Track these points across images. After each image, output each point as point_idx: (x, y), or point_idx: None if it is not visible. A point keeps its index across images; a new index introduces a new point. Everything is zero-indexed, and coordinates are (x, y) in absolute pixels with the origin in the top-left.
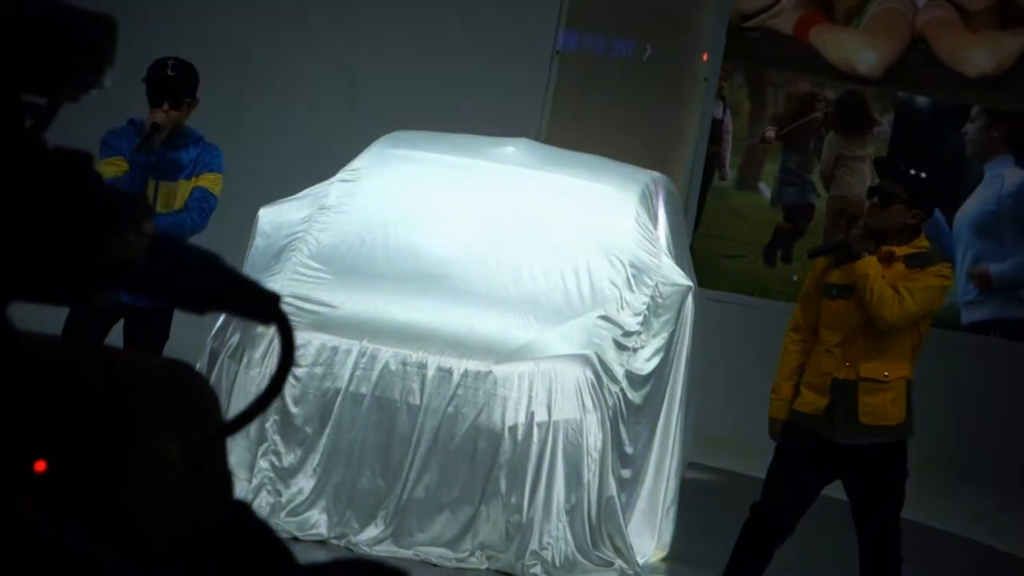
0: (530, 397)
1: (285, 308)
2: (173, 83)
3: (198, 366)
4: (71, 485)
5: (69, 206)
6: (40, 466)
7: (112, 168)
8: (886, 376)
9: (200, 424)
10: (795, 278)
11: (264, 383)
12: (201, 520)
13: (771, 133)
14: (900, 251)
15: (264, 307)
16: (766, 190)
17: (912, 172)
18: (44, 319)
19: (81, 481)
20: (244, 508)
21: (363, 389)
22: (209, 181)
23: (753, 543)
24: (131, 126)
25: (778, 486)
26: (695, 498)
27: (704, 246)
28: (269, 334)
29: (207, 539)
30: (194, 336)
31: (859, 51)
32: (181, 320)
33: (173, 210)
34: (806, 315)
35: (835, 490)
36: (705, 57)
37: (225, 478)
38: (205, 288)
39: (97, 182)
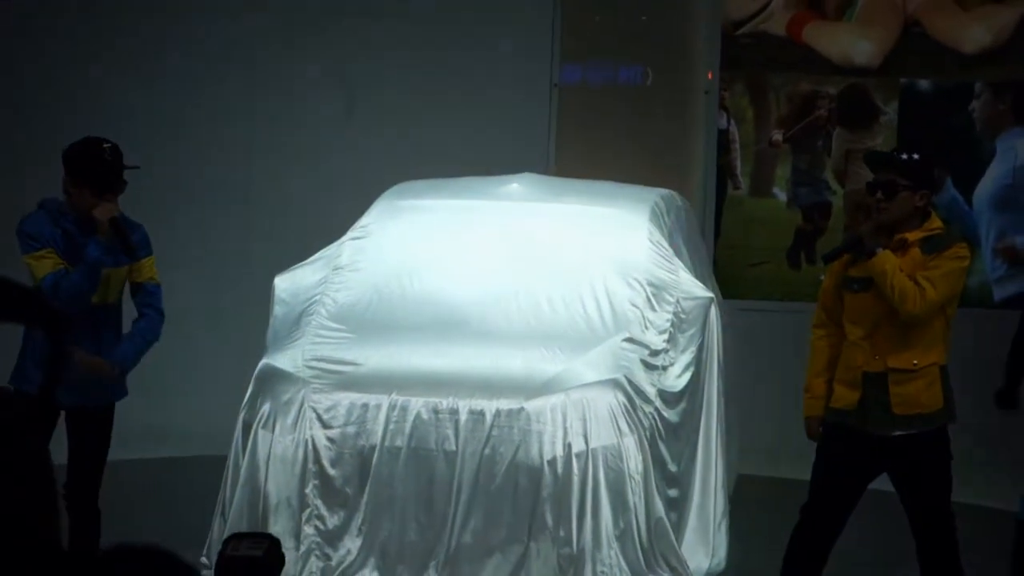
0: (565, 428)
1: (307, 370)
2: (117, 171)
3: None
4: None
5: None
6: None
7: (47, 262)
8: (915, 364)
9: (22, 459)
10: (822, 277)
11: (297, 451)
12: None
13: (778, 136)
14: (913, 236)
15: (26, 305)
16: (781, 194)
17: (904, 156)
18: None
19: None
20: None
21: (398, 442)
22: (149, 269)
23: (806, 545)
24: (43, 212)
25: (824, 486)
26: (747, 510)
27: (727, 257)
28: (298, 401)
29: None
30: (226, 410)
31: (855, 43)
32: (212, 395)
33: (108, 301)
34: (829, 311)
35: (881, 481)
36: (710, 75)
37: (54, 516)
38: None
39: None
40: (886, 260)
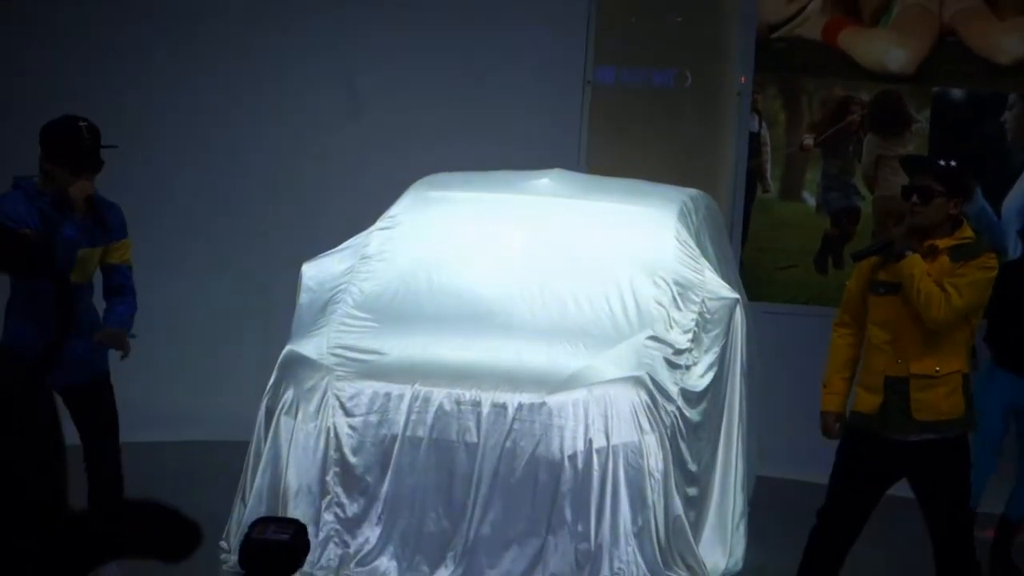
0: (587, 424)
1: (331, 358)
2: (94, 150)
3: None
4: None
5: None
6: None
7: None
8: (938, 371)
9: (28, 414)
10: (847, 283)
11: (319, 438)
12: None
13: (809, 141)
14: (943, 243)
15: (27, 256)
16: (810, 198)
17: (943, 163)
18: None
19: None
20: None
21: (420, 432)
22: (124, 251)
23: (822, 548)
24: (20, 191)
25: (841, 490)
26: (766, 511)
27: (755, 260)
28: (322, 388)
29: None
30: (249, 395)
31: (889, 50)
32: (235, 380)
33: (82, 281)
34: (853, 312)
35: (899, 488)
36: (743, 80)
37: (59, 468)
38: None
39: None
40: (915, 264)
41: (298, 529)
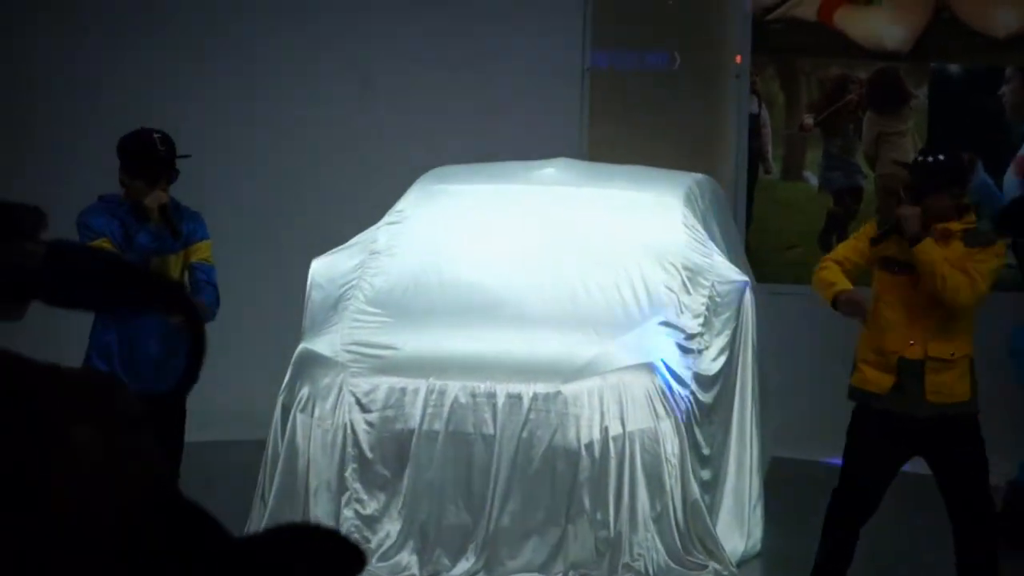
0: (602, 412)
1: (345, 354)
2: (167, 160)
3: (274, 420)
4: None
5: None
6: None
7: None
8: (952, 355)
9: (114, 413)
10: (858, 240)
11: (336, 435)
12: (126, 500)
13: (809, 121)
14: (956, 227)
15: (168, 296)
16: (812, 178)
17: (931, 159)
18: None
19: (5, 484)
20: (174, 489)
21: (436, 426)
22: (204, 251)
23: (839, 525)
24: (104, 203)
25: (855, 469)
26: (781, 492)
27: (759, 241)
28: (337, 384)
29: (133, 519)
30: (265, 393)
31: (885, 28)
32: (248, 381)
33: None
34: (848, 270)
35: (916, 464)
36: (739, 59)
37: (148, 461)
38: (104, 286)
39: None
40: (932, 249)
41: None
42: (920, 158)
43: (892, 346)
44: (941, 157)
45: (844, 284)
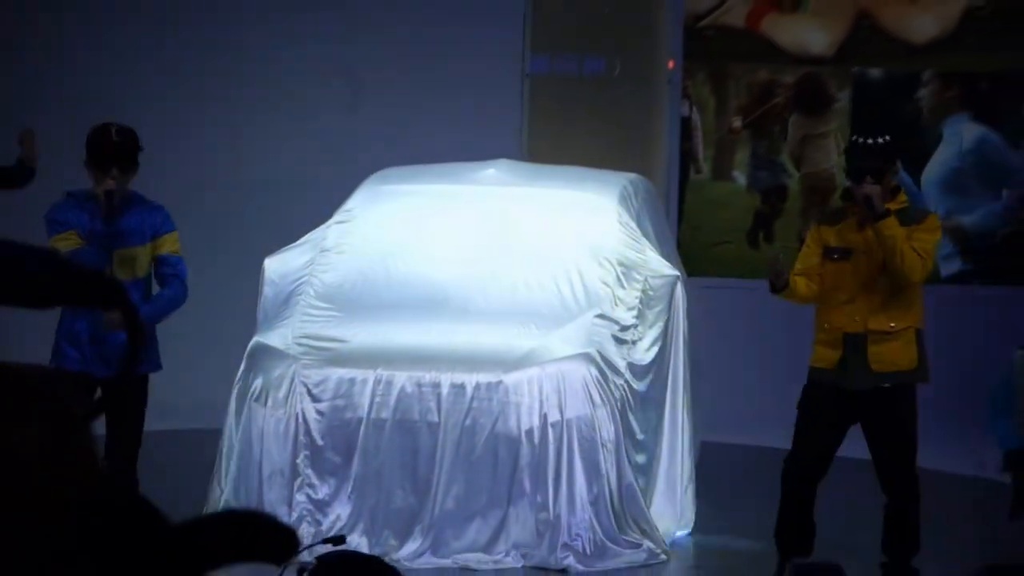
0: (541, 400)
1: (296, 347)
2: (120, 149)
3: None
4: None
5: None
6: None
7: (65, 243)
8: (892, 327)
9: (54, 413)
10: (781, 256)
11: (289, 423)
12: (65, 494)
13: (738, 123)
14: (893, 207)
15: (100, 290)
16: (740, 177)
17: (881, 141)
18: None
19: None
20: (112, 480)
21: (384, 415)
22: (171, 243)
23: (794, 488)
24: (71, 199)
25: (805, 438)
26: (710, 474)
27: (690, 238)
28: (289, 375)
29: (71, 509)
30: (219, 385)
31: (810, 34)
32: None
33: (137, 276)
34: (807, 271)
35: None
36: (671, 64)
37: (89, 456)
38: (42, 283)
39: None
40: (895, 226)
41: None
42: (859, 139)
43: (837, 323)
44: (879, 139)
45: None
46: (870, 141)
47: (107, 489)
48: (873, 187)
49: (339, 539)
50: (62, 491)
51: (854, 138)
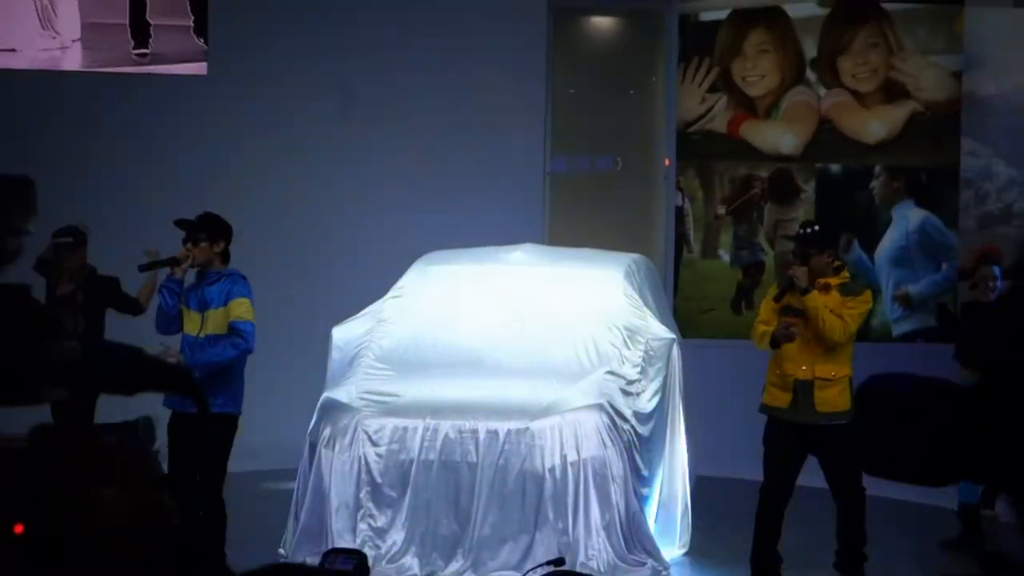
0: (561, 443)
1: (359, 401)
2: (194, 226)
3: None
4: (44, 541)
5: (10, 326)
6: (19, 529)
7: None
8: (833, 375)
9: (139, 475)
10: (764, 305)
11: (353, 465)
12: (149, 548)
13: (722, 211)
14: (834, 282)
15: (180, 382)
16: (725, 255)
17: (809, 231)
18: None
19: (51, 536)
20: (191, 537)
21: (431, 456)
22: (239, 307)
23: (768, 510)
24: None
25: (772, 467)
26: (704, 503)
27: (684, 306)
28: (353, 424)
29: (151, 560)
30: (296, 433)
31: (780, 137)
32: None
33: (207, 334)
34: (769, 319)
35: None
36: (667, 163)
37: (168, 517)
38: (130, 376)
39: (35, 306)
40: (816, 299)
41: (361, 559)
42: (801, 230)
43: (789, 370)
44: (816, 228)
45: (770, 328)
46: (802, 231)
47: (184, 548)
48: (798, 269)
49: (559, 561)
50: (142, 546)
51: (799, 230)
